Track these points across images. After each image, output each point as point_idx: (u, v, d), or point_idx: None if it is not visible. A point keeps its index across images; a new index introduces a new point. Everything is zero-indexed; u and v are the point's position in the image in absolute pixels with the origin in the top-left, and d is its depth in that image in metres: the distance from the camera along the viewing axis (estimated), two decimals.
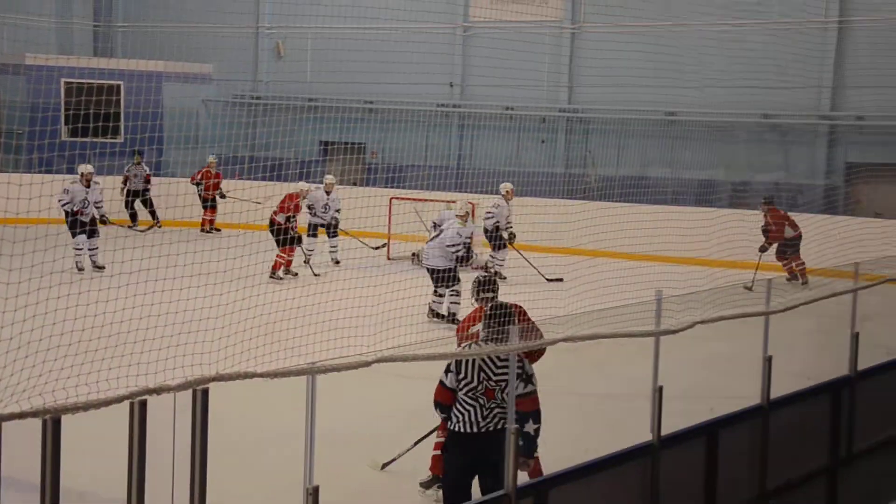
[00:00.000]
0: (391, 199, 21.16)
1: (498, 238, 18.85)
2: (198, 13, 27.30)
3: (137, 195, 24.06)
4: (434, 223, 19.87)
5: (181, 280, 8.27)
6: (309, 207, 19.74)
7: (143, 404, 4.58)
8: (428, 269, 14.90)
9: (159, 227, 23.36)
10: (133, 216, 23.92)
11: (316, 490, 5.16)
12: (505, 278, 17.75)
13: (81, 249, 17.71)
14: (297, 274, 18.20)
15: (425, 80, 25.23)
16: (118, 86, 26.52)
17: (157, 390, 4.69)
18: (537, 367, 7.17)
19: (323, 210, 20.06)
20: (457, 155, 26.68)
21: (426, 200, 21.14)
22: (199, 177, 23.75)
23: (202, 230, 23.54)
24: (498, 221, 18.91)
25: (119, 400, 4.59)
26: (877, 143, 23.68)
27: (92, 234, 18.03)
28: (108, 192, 20.55)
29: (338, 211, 20.17)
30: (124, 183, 23.97)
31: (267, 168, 22.99)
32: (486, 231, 18.95)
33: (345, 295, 9.98)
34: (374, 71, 24.86)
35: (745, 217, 19.12)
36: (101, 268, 17.62)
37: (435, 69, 25.51)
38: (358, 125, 26.37)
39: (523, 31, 25.59)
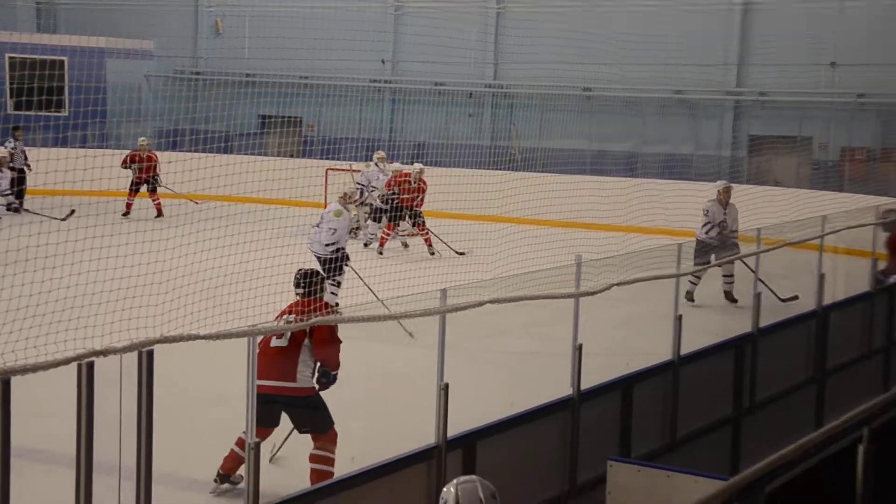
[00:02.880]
0: (327, 170, 21.06)
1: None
2: None
3: (20, 172, 21.38)
4: (359, 184, 19.83)
5: (124, 248, 8.16)
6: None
7: (91, 366, 4.52)
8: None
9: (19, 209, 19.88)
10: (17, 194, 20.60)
11: (258, 445, 5.15)
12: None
13: None
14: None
15: (358, 56, 25.10)
16: (62, 61, 26.04)
17: (104, 352, 4.63)
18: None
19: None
20: (389, 128, 26.64)
21: (359, 171, 21.06)
22: (128, 160, 21.53)
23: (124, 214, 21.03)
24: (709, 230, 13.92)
25: (67, 362, 4.53)
26: (777, 118, 24.04)
27: None
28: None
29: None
30: (10, 160, 20.97)
31: (208, 140, 22.76)
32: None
33: (282, 261, 9.92)
34: (310, 48, 24.63)
35: (658, 186, 19.33)
36: None
37: (368, 46, 25.36)
38: (295, 100, 26.16)
39: (451, 10, 25.56)
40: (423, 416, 6.29)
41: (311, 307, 7.21)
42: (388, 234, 18.06)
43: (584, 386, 7.01)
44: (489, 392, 8.16)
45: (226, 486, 7.06)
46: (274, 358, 6.98)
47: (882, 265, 11.61)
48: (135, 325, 5.83)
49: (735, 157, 23.98)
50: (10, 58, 25.55)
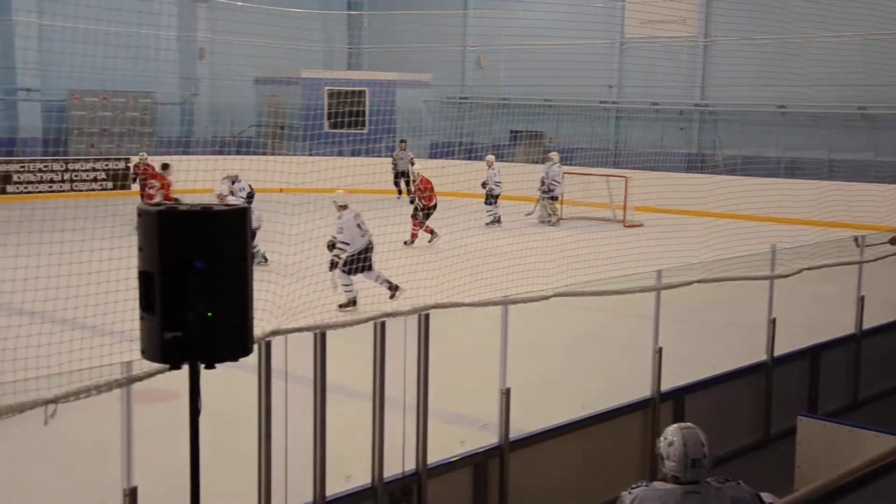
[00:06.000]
0: (563, 174, 20.93)
1: None
2: (421, 35, 27.56)
3: (403, 175, 22.99)
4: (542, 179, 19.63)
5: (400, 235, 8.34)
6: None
7: (383, 324, 4.65)
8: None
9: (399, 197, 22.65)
10: (399, 191, 23.28)
11: (508, 391, 5.15)
12: None
13: None
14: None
15: (590, 82, 24.84)
16: (363, 91, 27.06)
17: (393, 314, 4.74)
18: None
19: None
20: (614, 140, 26.22)
21: (589, 174, 20.84)
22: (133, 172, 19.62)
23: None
24: None
25: (365, 320, 4.67)
26: None
27: None
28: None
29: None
30: (393, 165, 23.68)
31: (471, 150, 23.06)
32: None
33: (531, 245, 9.92)
34: (552, 76, 24.57)
35: (842, 187, 18.15)
36: None
37: (597, 74, 25.08)
38: (538, 118, 26.17)
39: (667, 44, 24.88)
40: (638, 374, 6.14)
41: None
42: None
43: (777, 353, 6.67)
44: (695, 355, 7.87)
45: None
46: None
47: None
48: (415, 294, 5.94)
49: None
50: (328, 90, 26.77)
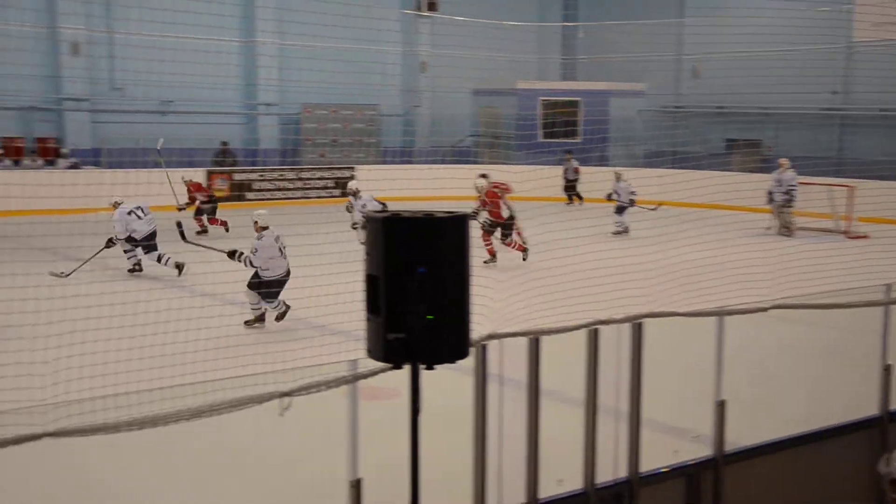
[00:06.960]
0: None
1: None
2: (635, 45, 27.17)
3: (572, 184, 23.77)
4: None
5: (617, 242, 8.22)
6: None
7: (596, 332, 4.62)
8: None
9: (581, 203, 23.19)
10: (570, 198, 23.61)
11: (723, 403, 4.98)
12: None
13: None
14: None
15: (812, 89, 23.61)
16: (577, 101, 27.01)
17: (607, 322, 4.71)
18: None
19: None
20: (837, 147, 24.75)
21: (810, 184, 19.75)
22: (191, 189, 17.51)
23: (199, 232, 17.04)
24: None
25: (578, 328, 4.66)
26: None
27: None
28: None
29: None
30: (564, 175, 23.84)
31: (685, 160, 22.45)
32: None
33: (747, 255, 9.52)
34: (770, 84, 23.56)
35: None
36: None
37: (820, 80, 23.79)
38: (756, 126, 25.15)
39: None
40: (862, 392, 5.76)
41: None
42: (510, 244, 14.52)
43: None
44: None
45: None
46: None
47: None
48: (629, 303, 5.85)
49: None
50: (543, 100, 26.96)
